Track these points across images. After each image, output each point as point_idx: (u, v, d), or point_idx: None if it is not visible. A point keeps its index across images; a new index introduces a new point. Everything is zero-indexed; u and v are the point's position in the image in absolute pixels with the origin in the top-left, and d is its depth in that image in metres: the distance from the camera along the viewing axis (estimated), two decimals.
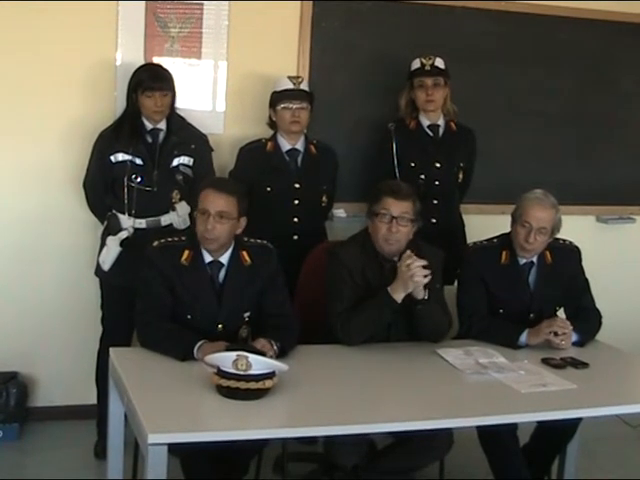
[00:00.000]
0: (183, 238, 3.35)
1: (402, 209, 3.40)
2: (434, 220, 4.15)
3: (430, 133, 4.28)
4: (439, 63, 4.20)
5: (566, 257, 3.70)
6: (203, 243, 3.26)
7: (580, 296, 3.71)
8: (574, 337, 3.49)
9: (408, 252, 3.35)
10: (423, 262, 3.31)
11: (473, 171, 4.44)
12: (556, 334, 3.43)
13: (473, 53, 4.68)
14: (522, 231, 3.55)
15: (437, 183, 4.24)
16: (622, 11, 4.90)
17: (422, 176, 4.21)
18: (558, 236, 3.67)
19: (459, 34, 4.65)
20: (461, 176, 4.35)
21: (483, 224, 4.26)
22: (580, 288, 3.72)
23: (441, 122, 4.30)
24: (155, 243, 3.32)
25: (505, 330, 3.51)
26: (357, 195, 4.45)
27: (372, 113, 4.54)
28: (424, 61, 4.19)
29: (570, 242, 3.76)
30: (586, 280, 3.74)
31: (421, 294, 3.36)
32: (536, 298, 3.62)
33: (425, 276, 3.31)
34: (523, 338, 3.46)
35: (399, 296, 3.35)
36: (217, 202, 3.21)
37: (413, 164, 4.21)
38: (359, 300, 3.41)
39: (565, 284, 3.68)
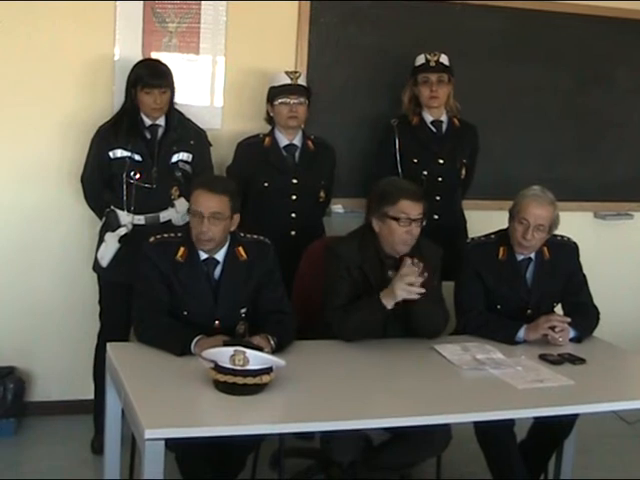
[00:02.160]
0: (179, 234, 3.35)
1: (419, 210, 3.38)
2: (436, 216, 4.14)
3: (433, 129, 4.27)
4: (444, 59, 4.18)
5: (564, 253, 3.70)
6: (198, 244, 3.25)
7: (578, 292, 3.71)
8: (571, 333, 3.49)
9: (409, 262, 3.34)
10: (419, 279, 3.30)
11: (475, 167, 4.44)
12: (553, 329, 3.43)
13: (472, 50, 4.67)
14: (520, 228, 3.55)
15: (440, 179, 4.24)
16: (623, 8, 4.89)
17: (425, 172, 4.21)
18: (556, 232, 3.68)
19: (458, 31, 4.64)
20: (463, 173, 4.35)
21: (481, 220, 4.27)
22: (578, 284, 3.72)
23: (444, 118, 4.29)
24: (151, 239, 3.31)
25: (502, 326, 3.51)
26: (355, 191, 4.46)
27: (370, 110, 4.54)
28: (429, 57, 4.18)
29: (568, 238, 3.76)
30: (584, 276, 3.74)
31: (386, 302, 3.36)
32: (534, 294, 3.62)
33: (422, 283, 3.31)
34: (521, 334, 3.46)
35: (389, 303, 3.34)
36: (210, 203, 3.20)
37: (416, 160, 4.21)
38: (355, 297, 3.42)
39: (563, 280, 3.68)
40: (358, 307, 3.37)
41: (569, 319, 3.48)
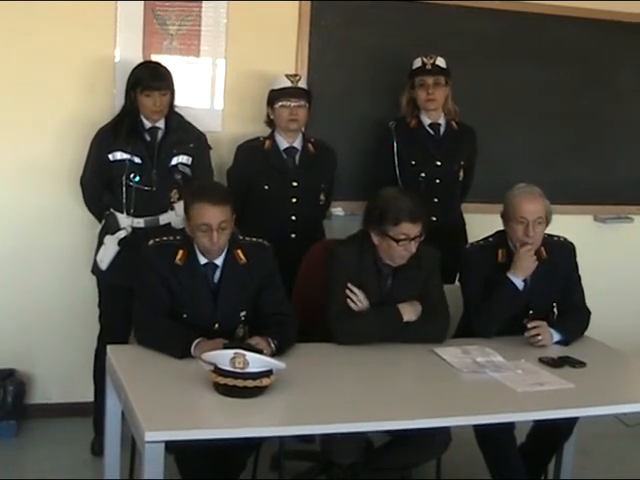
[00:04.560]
0: (178, 237, 3.34)
1: (419, 229, 3.40)
2: (434, 218, 4.15)
3: (431, 132, 4.28)
4: (440, 62, 4.20)
5: (561, 253, 3.70)
6: (209, 255, 3.25)
7: (570, 292, 3.70)
8: (557, 336, 3.50)
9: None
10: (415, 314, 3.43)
11: (474, 170, 4.44)
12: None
13: (471, 51, 4.68)
14: (520, 227, 3.56)
15: (437, 181, 4.25)
16: (620, 10, 4.90)
17: (422, 174, 4.22)
18: (554, 233, 3.69)
19: (457, 32, 4.64)
20: (461, 175, 4.36)
21: (481, 223, 4.25)
22: (571, 284, 3.72)
23: (442, 121, 4.30)
24: (150, 242, 3.31)
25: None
26: (356, 194, 4.45)
27: (371, 111, 4.54)
28: (425, 60, 4.19)
29: (565, 238, 3.76)
30: (578, 276, 3.74)
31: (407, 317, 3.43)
32: (534, 294, 3.62)
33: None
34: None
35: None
36: (216, 215, 3.17)
37: (413, 162, 4.22)
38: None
39: (561, 279, 3.68)
40: (371, 315, 3.41)
41: (542, 322, 3.50)
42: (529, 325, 3.48)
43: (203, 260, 3.28)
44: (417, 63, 4.22)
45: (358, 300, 3.42)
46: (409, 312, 3.42)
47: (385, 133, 4.25)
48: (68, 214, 4.21)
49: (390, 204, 3.42)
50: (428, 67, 4.19)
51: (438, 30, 4.62)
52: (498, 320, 3.53)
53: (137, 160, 3.85)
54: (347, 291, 3.42)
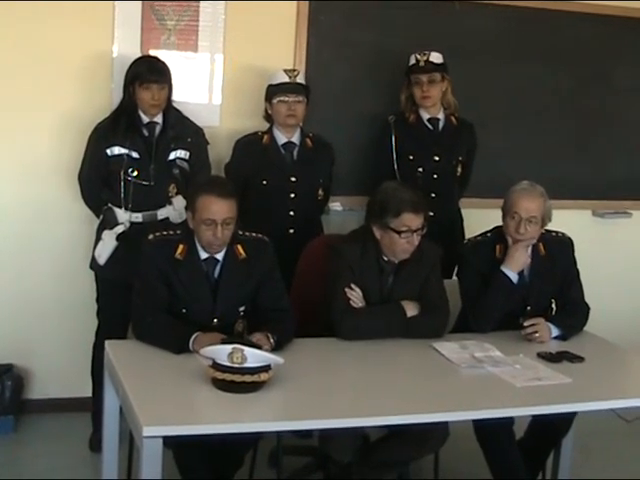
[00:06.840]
0: (178, 232, 3.34)
1: (420, 220, 3.40)
2: (431, 213, 4.14)
3: (430, 127, 4.28)
4: (434, 58, 4.18)
5: (559, 248, 3.70)
6: (210, 249, 3.24)
7: (568, 288, 3.69)
8: (555, 332, 3.50)
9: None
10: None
11: (473, 165, 4.44)
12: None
13: (471, 48, 4.67)
14: (512, 223, 3.56)
15: (435, 176, 4.25)
16: (622, 6, 4.89)
17: (420, 169, 4.22)
18: (552, 228, 3.69)
19: (457, 29, 4.64)
20: (460, 170, 4.36)
21: (479, 218, 4.26)
22: (570, 280, 3.71)
23: (441, 116, 4.30)
24: (150, 236, 3.31)
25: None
26: (354, 189, 4.46)
27: (369, 107, 4.54)
28: (419, 57, 4.18)
29: (563, 234, 3.76)
30: (577, 271, 3.74)
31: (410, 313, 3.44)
32: (532, 290, 3.62)
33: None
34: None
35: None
36: (222, 210, 3.16)
37: (411, 157, 4.22)
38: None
39: (559, 275, 3.68)
40: (376, 312, 3.41)
41: (539, 319, 3.50)
42: (525, 323, 3.48)
43: (204, 255, 3.27)
44: (411, 60, 4.21)
45: (354, 301, 3.42)
46: (411, 308, 3.42)
47: (384, 127, 4.25)
48: (66, 209, 4.21)
49: (391, 196, 3.43)
50: (421, 64, 4.18)
51: (436, 27, 4.61)
52: (494, 315, 3.53)
53: (135, 155, 3.85)
54: (346, 290, 3.42)
